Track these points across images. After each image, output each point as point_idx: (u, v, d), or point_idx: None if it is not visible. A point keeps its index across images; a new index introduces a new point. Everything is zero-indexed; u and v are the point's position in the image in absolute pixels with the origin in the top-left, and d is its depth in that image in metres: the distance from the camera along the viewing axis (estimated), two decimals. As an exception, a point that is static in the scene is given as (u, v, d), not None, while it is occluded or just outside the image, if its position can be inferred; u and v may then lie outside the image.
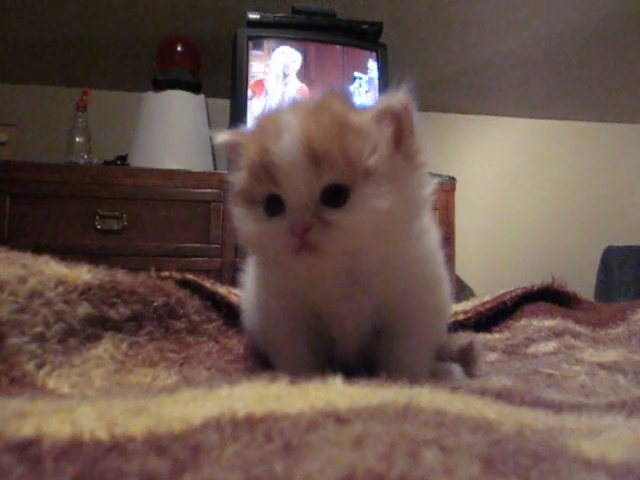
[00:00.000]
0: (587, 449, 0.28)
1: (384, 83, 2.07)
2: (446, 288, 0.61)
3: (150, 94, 2.04)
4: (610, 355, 0.59)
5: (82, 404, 0.34)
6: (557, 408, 0.39)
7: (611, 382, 0.51)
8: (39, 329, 0.45)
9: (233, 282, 2.03)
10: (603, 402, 0.44)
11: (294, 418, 0.30)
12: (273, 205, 0.46)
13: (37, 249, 1.86)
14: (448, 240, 2.06)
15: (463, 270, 2.27)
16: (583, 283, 2.39)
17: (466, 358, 0.57)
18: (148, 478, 0.22)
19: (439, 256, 0.58)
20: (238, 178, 0.48)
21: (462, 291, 2.39)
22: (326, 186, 0.44)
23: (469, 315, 0.89)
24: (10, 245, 1.93)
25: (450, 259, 2.05)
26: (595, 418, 0.37)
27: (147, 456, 0.23)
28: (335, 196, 0.44)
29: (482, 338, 0.85)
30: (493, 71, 2.37)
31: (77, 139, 1.99)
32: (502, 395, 0.40)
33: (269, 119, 0.47)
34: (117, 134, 2.19)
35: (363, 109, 0.48)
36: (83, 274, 0.52)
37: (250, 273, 0.62)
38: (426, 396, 0.35)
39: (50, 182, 1.86)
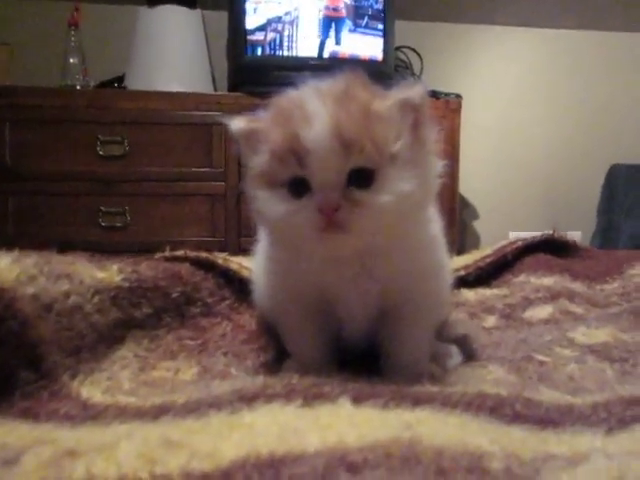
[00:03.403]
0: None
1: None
2: (447, 273, 0.64)
3: (144, 10, 1.95)
4: (600, 335, 0.63)
5: (121, 439, 0.38)
6: (543, 423, 0.43)
7: (598, 373, 0.55)
8: (75, 343, 0.48)
9: (238, 207, 2.05)
10: (588, 401, 0.49)
11: (311, 461, 0.35)
12: (297, 187, 0.48)
13: (43, 178, 1.84)
14: (452, 159, 2.05)
15: (467, 188, 2.28)
16: (587, 201, 2.41)
17: (462, 347, 0.61)
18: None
19: (441, 243, 0.61)
20: (258, 162, 0.50)
21: (465, 209, 2.41)
22: (353, 169, 0.47)
23: (470, 271, 0.92)
24: (14, 174, 1.92)
25: (454, 178, 2.06)
26: (577, 436, 0.41)
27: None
28: (361, 178, 0.47)
29: (481, 295, 0.89)
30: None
31: (71, 60, 1.93)
32: (495, 409, 0.44)
33: (293, 105, 0.49)
34: (112, 50, 2.11)
35: (384, 95, 0.50)
36: (114, 276, 0.55)
37: (261, 253, 0.64)
38: (427, 426, 0.39)
39: (49, 107, 1.82)
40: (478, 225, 2.47)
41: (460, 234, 2.29)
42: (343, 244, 0.49)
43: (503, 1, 2.30)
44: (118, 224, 1.85)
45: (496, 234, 2.37)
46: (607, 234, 2.29)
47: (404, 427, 0.39)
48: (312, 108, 0.47)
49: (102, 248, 1.85)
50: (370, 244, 0.51)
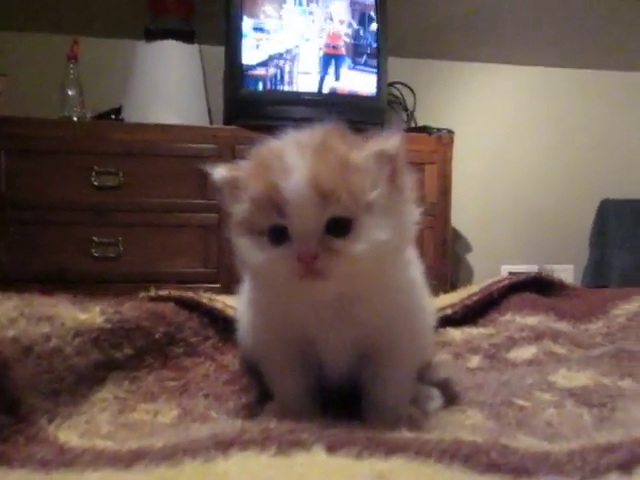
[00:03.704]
0: None
1: (384, 27, 2.01)
2: (427, 316, 0.65)
3: (142, 44, 1.99)
4: (581, 378, 0.63)
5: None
6: (517, 472, 0.43)
7: (575, 418, 0.55)
8: (54, 386, 0.48)
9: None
10: (565, 449, 0.49)
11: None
12: (277, 235, 0.49)
13: (37, 207, 1.84)
14: (444, 193, 2.08)
15: (459, 221, 2.30)
16: (580, 234, 2.43)
17: (444, 390, 0.61)
18: None
19: (421, 286, 0.62)
20: (239, 210, 0.52)
21: (458, 242, 2.43)
22: (330, 218, 0.48)
23: (456, 309, 0.93)
24: (9, 203, 1.92)
25: (446, 211, 2.08)
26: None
27: None
28: (338, 227, 0.49)
29: (467, 334, 0.89)
30: (496, 15, 2.29)
31: (69, 92, 1.96)
32: (470, 458, 0.44)
33: (272, 155, 0.50)
34: (109, 83, 2.14)
35: (361, 146, 0.51)
36: (96, 317, 0.56)
37: (245, 295, 0.65)
38: (399, 476, 0.39)
39: (46, 137, 1.84)
40: (471, 258, 2.48)
41: (453, 267, 2.30)
42: (322, 290, 0.50)
43: (490, 39, 2.36)
44: (111, 254, 1.85)
45: (489, 267, 2.38)
46: (599, 268, 2.30)
47: (376, 477, 0.39)
48: (291, 159, 0.48)
49: (94, 278, 1.86)
50: (349, 289, 0.52)
